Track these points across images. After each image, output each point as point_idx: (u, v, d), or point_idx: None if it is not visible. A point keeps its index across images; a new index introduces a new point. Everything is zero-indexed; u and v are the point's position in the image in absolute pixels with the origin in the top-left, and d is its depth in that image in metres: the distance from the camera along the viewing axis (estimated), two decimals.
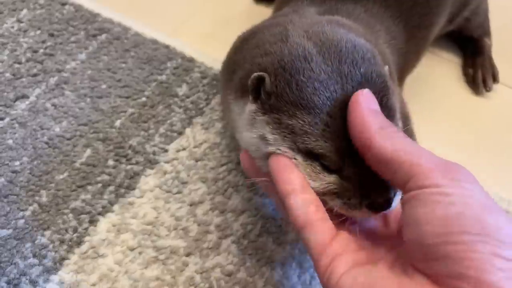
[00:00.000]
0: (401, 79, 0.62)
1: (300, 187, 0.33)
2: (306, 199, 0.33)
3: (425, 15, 0.60)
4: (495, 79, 0.71)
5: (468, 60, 0.73)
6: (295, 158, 0.34)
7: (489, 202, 0.26)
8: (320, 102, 0.33)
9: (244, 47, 0.44)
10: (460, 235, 0.25)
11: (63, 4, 0.74)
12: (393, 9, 0.56)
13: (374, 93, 0.33)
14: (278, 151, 0.35)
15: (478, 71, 0.70)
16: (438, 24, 0.64)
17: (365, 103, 0.31)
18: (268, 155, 0.36)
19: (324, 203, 0.34)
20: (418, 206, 0.27)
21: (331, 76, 0.33)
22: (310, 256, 0.33)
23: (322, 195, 0.34)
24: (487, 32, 0.74)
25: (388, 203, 0.33)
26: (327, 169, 0.34)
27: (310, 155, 0.34)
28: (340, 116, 0.33)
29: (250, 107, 0.37)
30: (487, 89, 0.69)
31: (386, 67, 0.37)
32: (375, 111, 0.31)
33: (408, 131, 0.52)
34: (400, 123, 0.37)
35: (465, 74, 0.72)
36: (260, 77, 0.35)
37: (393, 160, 0.29)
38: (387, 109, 0.34)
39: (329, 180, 0.34)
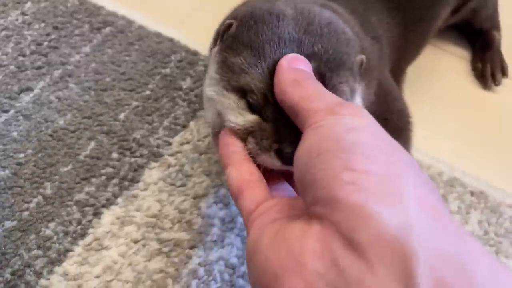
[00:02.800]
0: (399, 70, 0.61)
1: (238, 160, 0.34)
2: (241, 170, 0.33)
3: (427, 8, 0.59)
4: (504, 73, 0.70)
5: (477, 54, 0.72)
6: (225, 95, 0.36)
7: (359, 124, 0.25)
8: (269, 51, 0.34)
9: (234, 10, 0.45)
10: (316, 157, 0.24)
11: None
12: (391, 1, 0.56)
13: (320, 67, 0.34)
14: (212, 93, 0.37)
15: (487, 65, 0.69)
16: (441, 17, 0.63)
17: (287, 63, 0.32)
18: (214, 112, 0.38)
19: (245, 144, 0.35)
20: (299, 145, 0.27)
21: (291, 38, 0.35)
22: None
23: (242, 134, 0.35)
24: (496, 26, 0.73)
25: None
26: (252, 108, 0.35)
27: (239, 93, 0.35)
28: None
29: (215, 49, 0.39)
30: (496, 83, 0.68)
31: (360, 57, 0.37)
32: (295, 69, 0.32)
33: (403, 135, 0.52)
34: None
35: (474, 68, 0.71)
36: (229, 24, 0.37)
37: (297, 107, 0.29)
38: (330, 89, 0.33)
39: (250, 118, 0.35)
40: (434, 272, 0.18)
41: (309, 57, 0.34)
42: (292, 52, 0.34)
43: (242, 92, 0.35)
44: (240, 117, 0.35)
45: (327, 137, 0.24)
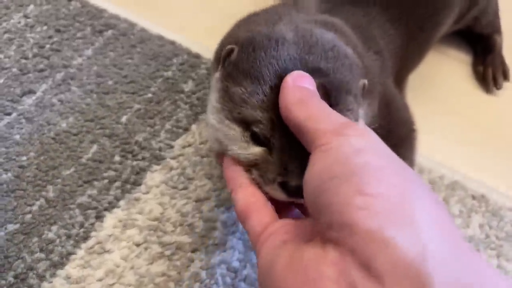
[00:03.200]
0: (401, 78, 0.61)
1: (244, 183, 0.34)
2: (247, 192, 0.33)
3: (429, 17, 0.59)
4: (505, 76, 0.70)
5: (478, 58, 0.72)
6: (228, 126, 0.35)
7: (365, 146, 0.25)
8: (268, 75, 0.33)
9: (235, 28, 0.45)
10: (329, 181, 0.24)
11: (70, 0, 0.74)
12: (393, 11, 0.55)
13: (325, 85, 0.33)
14: (213, 121, 0.37)
15: (488, 69, 0.69)
16: (443, 25, 0.63)
17: (292, 80, 0.32)
18: (215, 140, 0.37)
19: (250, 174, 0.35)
20: (309, 167, 0.27)
21: (292, 58, 0.34)
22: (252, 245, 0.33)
23: (246, 165, 0.35)
24: (497, 30, 0.73)
25: (300, 191, 0.30)
26: (257, 140, 0.34)
27: (243, 124, 0.35)
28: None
29: (217, 73, 0.38)
30: (498, 86, 0.68)
31: (362, 82, 0.37)
32: (300, 87, 0.32)
33: (407, 144, 0.52)
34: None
35: (475, 71, 0.71)
36: (231, 50, 0.37)
37: (303, 127, 0.29)
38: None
39: (255, 151, 0.34)
40: None
41: (313, 73, 0.33)
42: (295, 69, 0.33)
43: (245, 124, 0.34)
44: (244, 149, 0.35)
45: (336, 160, 0.24)
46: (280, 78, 0.33)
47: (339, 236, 0.22)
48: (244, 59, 0.35)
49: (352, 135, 0.26)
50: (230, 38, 0.42)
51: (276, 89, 0.33)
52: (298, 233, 0.28)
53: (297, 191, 0.32)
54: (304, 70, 0.33)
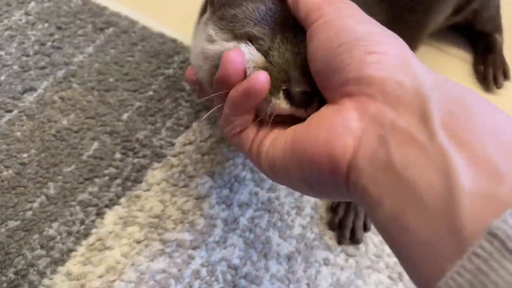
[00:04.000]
0: None
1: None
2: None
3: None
4: (506, 76, 0.70)
5: (479, 57, 0.72)
6: (230, 45, 0.35)
7: (362, 18, 0.30)
8: None
9: None
10: (338, 48, 0.28)
11: None
12: None
13: None
14: (218, 46, 0.36)
15: (489, 68, 0.69)
16: (438, 11, 0.61)
17: None
18: (212, 68, 0.36)
19: None
20: (311, 41, 0.30)
21: None
22: (244, 153, 0.34)
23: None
24: (498, 29, 0.73)
25: (305, 98, 0.32)
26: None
27: (246, 39, 0.35)
28: (277, 8, 0.35)
29: (205, 16, 0.38)
30: (498, 86, 0.68)
31: None
32: None
33: None
34: None
35: (476, 71, 0.71)
36: None
37: (299, 1, 0.32)
38: None
39: (258, 60, 0.34)
40: (443, 108, 0.24)
41: None
42: None
43: (248, 39, 0.34)
44: (249, 58, 0.34)
45: (341, 29, 0.29)
46: None
47: (356, 89, 0.27)
48: None
49: (342, 7, 0.30)
50: None
51: (276, 4, 0.34)
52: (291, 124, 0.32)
53: (301, 99, 0.32)
54: None
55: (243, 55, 0.33)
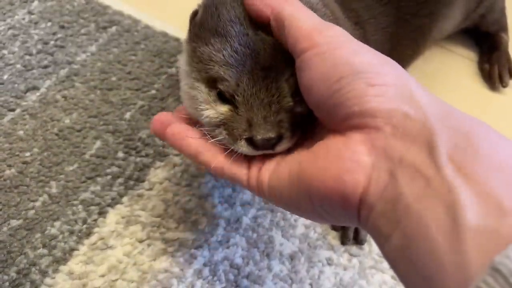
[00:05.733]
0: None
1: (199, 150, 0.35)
2: (213, 153, 0.35)
3: (423, 3, 0.57)
4: (511, 74, 0.69)
5: (484, 56, 0.71)
6: (198, 87, 0.35)
7: (357, 47, 0.29)
8: (234, 31, 0.34)
9: None
10: (338, 82, 0.27)
11: None
12: None
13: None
14: (184, 86, 0.37)
15: (494, 67, 0.69)
16: (443, 17, 0.61)
17: None
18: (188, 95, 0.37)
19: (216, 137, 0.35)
20: (304, 71, 0.30)
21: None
22: (243, 187, 0.35)
23: (214, 126, 0.35)
24: (503, 28, 0.73)
25: (267, 143, 0.33)
26: (223, 99, 0.35)
27: (210, 83, 0.35)
28: (248, 47, 0.33)
29: (186, 35, 0.39)
30: (504, 84, 0.68)
31: None
32: None
33: None
34: None
35: (481, 69, 0.70)
36: (195, 11, 0.37)
37: (286, 26, 0.31)
38: None
39: (221, 110, 0.35)
40: (449, 141, 0.24)
41: None
42: (257, 26, 0.33)
43: (213, 82, 0.35)
44: (212, 110, 0.35)
45: (338, 63, 0.28)
46: (245, 35, 0.33)
47: (362, 121, 0.27)
48: (209, 18, 0.35)
49: (334, 36, 0.29)
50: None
51: (244, 45, 0.33)
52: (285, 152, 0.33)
53: (264, 144, 0.32)
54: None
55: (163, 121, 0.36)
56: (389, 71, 0.28)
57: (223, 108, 0.35)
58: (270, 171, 0.32)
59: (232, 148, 0.34)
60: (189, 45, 0.37)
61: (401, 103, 0.26)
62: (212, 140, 0.35)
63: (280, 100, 0.33)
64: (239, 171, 0.34)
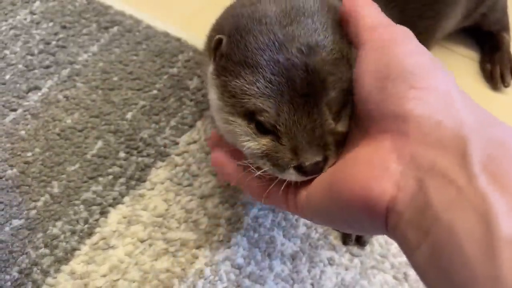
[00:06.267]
0: None
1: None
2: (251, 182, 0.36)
3: (428, 5, 0.57)
4: None
5: (486, 55, 0.71)
6: (234, 121, 0.35)
7: (413, 48, 0.29)
8: (264, 61, 0.33)
9: (223, 13, 0.43)
10: (386, 79, 0.28)
11: None
12: None
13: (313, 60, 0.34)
14: (219, 122, 0.37)
15: (496, 66, 0.68)
16: (447, 16, 0.61)
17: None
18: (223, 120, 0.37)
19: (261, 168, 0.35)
20: (360, 63, 0.30)
21: (279, 38, 0.33)
22: (283, 209, 0.36)
23: (258, 158, 0.35)
24: (505, 27, 0.72)
25: (317, 167, 0.32)
26: (263, 130, 0.34)
27: (248, 116, 0.34)
28: (282, 75, 0.32)
29: (210, 67, 0.38)
30: (505, 84, 0.67)
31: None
32: None
33: None
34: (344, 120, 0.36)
35: (483, 69, 0.70)
36: (219, 40, 0.36)
37: (353, 16, 0.33)
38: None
39: (263, 141, 0.34)
40: (483, 151, 0.23)
41: (302, 51, 0.33)
42: (286, 51, 0.33)
43: (251, 114, 0.34)
44: (253, 141, 0.34)
45: (391, 61, 0.28)
46: (276, 62, 0.33)
47: (393, 125, 0.27)
48: (235, 48, 0.34)
49: (397, 35, 0.30)
50: (217, 26, 0.42)
51: (278, 74, 0.32)
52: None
53: (314, 169, 0.32)
54: (293, 48, 0.33)
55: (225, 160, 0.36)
56: (437, 76, 0.27)
57: (265, 140, 0.34)
58: (306, 190, 0.33)
59: (279, 177, 0.34)
60: (218, 80, 0.36)
61: (437, 109, 0.26)
62: (258, 173, 0.35)
63: (322, 124, 0.33)
64: (277, 195, 0.34)
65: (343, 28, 0.34)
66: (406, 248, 0.25)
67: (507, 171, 0.22)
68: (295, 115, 0.32)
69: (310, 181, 0.33)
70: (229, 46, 0.35)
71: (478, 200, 0.22)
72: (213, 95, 0.37)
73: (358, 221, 0.28)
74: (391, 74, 0.28)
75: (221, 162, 0.38)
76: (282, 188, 0.34)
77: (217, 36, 0.36)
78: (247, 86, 0.33)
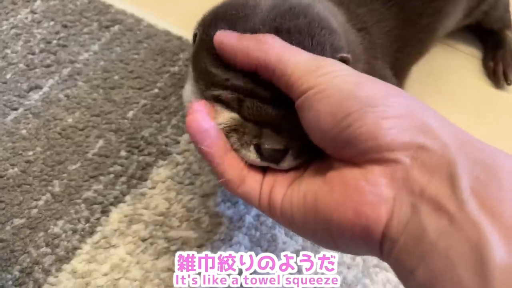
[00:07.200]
0: (401, 69, 0.59)
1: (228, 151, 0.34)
2: (231, 161, 0.34)
3: (428, 2, 0.57)
4: None
5: (488, 53, 0.71)
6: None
7: (358, 79, 0.28)
8: (219, 79, 0.34)
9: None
10: (346, 118, 0.27)
11: None
12: None
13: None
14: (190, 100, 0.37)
15: (499, 64, 0.68)
16: (448, 15, 0.61)
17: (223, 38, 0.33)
18: None
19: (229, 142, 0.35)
20: (306, 112, 0.29)
21: (255, 23, 0.34)
22: (253, 206, 0.34)
23: (228, 132, 0.35)
24: (508, 25, 0.72)
25: (274, 155, 0.33)
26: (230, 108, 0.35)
27: (215, 100, 0.35)
28: (241, 91, 0.34)
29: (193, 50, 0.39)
30: (508, 82, 0.67)
31: (340, 56, 0.36)
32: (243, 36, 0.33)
33: None
34: None
35: (486, 67, 0.70)
36: (195, 34, 0.38)
37: (277, 74, 0.30)
38: None
39: (231, 115, 0.35)
40: (470, 172, 0.23)
41: (284, 32, 0.33)
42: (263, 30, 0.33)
43: (218, 100, 0.35)
44: (222, 117, 0.35)
45: (342, 98, 0.27)
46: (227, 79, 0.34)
47: (379, 156, 0.26)
48: (206, 38, 0.35)
49: (332, 71, 0.29)
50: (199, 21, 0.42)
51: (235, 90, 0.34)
52: (294, 172, 0.33)
53: (271, 155, 0.33)
54: (273, 29, 0.33)
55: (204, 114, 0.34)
56: (398, 102, 0.27)
57: (234, 115, 0.35)
58: (282, 195, 0.32)
59: (240, 155, 0.34)
60: (198, 64, 0.37)
61: (417, 134, 0.25)
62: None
63: (292, 119, 0.33)
64: (251, 188, 0.34)
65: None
66: (401, 273, 0.25)
67: (496, 196, 0.22)
68: (257, 104, 0.33)
69: (284, 183, 0.33)
70: (203, 33, 0.36)
71: (469, 228, 0.22)
72: (187, 81, 0.39)
73: (349, 244, 0.28)
74: (349, 112, 0.27)
75: (201, 126, 0.35)
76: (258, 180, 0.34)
77: (195, 31, 0.38)
78: (213, 70, 0.34)
